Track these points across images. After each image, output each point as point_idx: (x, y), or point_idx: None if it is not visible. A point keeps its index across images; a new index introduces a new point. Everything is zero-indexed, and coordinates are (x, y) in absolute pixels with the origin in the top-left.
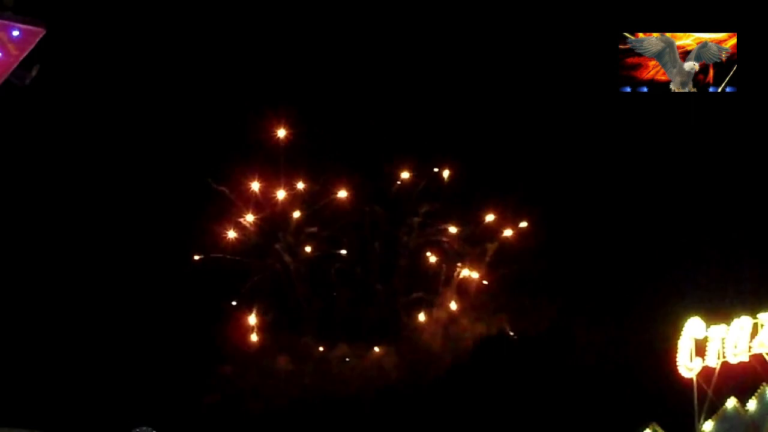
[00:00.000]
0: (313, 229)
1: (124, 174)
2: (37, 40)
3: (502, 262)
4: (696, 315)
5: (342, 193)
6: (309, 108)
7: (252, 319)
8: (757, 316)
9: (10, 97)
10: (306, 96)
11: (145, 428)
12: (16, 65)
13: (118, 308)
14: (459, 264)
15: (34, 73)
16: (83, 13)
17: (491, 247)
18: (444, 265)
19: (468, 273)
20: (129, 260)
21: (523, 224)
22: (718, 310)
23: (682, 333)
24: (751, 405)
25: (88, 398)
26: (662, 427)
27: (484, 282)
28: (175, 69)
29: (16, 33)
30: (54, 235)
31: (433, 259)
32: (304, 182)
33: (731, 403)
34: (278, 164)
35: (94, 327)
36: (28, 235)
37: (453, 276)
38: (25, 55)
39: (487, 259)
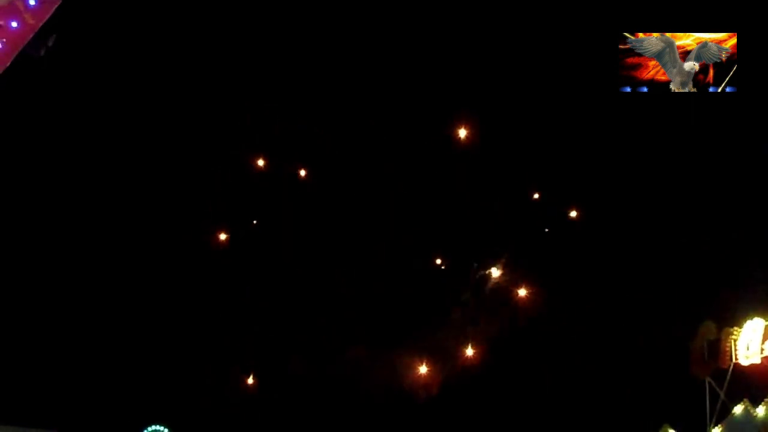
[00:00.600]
0: (327, 231)
1: (137, 170)
2: (54, 8)
3: (506, 264)
4: (708, 317)
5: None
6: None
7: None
8: None
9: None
10: (315, 96)
11: (158, 427)
12: (32, 35)
13: (131, 306)
14: (475, 264)
15: (50, 43)
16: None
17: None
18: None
19: (478, 275)
20: (142, 257)
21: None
22: (731, 312)
23: (694, 335)
24: (761, 410)
25: (102, 397)
26: (674, 429)
27: (493, 283)
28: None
29: (32, 2)
30: (64, 231)
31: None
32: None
33: (744, 405)
34: (286, 162)
35: (108, 325)
36: (39, 229)
37: (468, 278)
38: (41, 24)
39: (495, 261)
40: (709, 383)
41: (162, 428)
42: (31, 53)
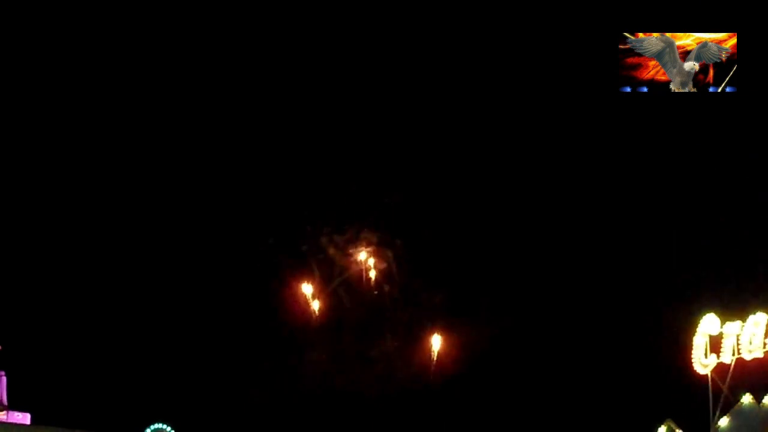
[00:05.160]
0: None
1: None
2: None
3: (508, 260)
4: (711, 312)
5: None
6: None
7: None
8: None
9: None
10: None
11: (161, 425)
12: None
13: (136, 305)
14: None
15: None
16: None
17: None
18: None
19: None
20: (146, 258)
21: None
22: (733, 307)
23: (697, 330)
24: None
25: (106, 394)
26: (677, 423)
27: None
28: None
29: None
30: (71, 232)
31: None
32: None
33: (747, 398)
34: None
35: (112, 324)
36: (44, 229)
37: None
38: None
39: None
40: (712, 377)
41: (165, 426)
42: None
